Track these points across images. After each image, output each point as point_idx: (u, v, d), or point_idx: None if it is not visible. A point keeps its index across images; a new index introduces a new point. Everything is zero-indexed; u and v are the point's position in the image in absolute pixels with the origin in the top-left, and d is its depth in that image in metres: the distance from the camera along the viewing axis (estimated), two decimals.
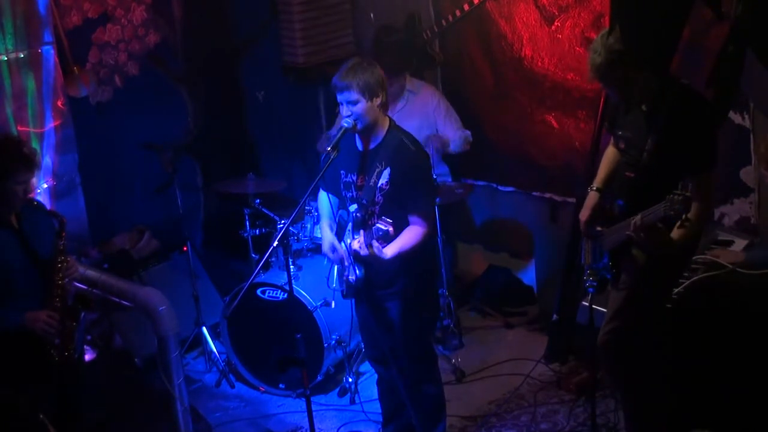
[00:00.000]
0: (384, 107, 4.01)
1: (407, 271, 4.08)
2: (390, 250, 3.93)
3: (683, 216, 3.33)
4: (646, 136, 3.64)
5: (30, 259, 3.86)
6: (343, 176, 4.12)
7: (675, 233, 3.54)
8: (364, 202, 4.03)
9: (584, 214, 4.00)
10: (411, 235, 3.99)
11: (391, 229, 3.81)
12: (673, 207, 3.30)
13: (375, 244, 3.87)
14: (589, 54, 3.60)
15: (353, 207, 4.09)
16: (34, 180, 3.97)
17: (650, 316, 3.90)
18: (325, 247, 4.18)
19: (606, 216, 3.92)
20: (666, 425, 4.10)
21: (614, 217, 3.84)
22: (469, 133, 5.62)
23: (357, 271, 4.06)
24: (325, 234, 4.22)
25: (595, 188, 4.02)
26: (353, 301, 4.38)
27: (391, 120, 4.09)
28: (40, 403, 3.92)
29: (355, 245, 3.93)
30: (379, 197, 4.01)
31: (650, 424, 4.08)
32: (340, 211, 4.32)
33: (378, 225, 3.83)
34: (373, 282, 4.11)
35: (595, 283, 3.99)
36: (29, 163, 3.81)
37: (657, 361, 4.00)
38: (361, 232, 3.93)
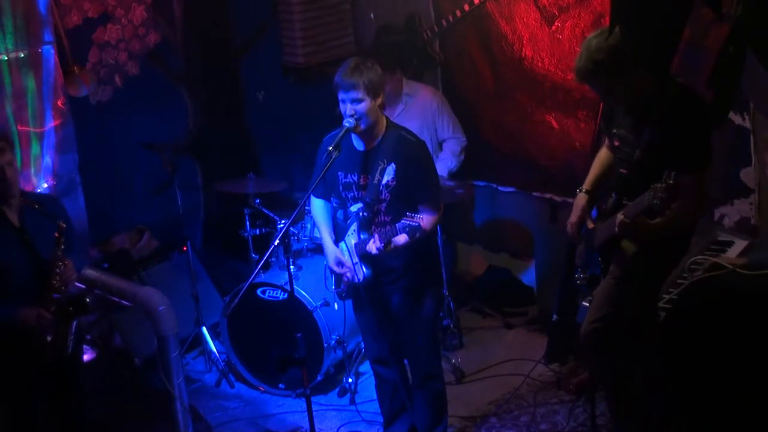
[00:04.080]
0: (382, 107, 4.03)
1: (413, 264, 4.10)
2: (403, 237, 3.92)
3: (668, 205, 3.35)
4: (640, 133, 3.66)
5: (28, 257, 3.85)
6: (341, 177, 4.12)
7: (656, 225, 3.55)
8: (368, 200, 4.03)
9: (574, 217, 4.01)
10: (423, 223, 3.99)
11: (421, 223, 3.81)
12: (657, 196, 3.33)
13: (393, 238, 3.88)
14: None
15: (356, 207, 4.08)
16: (12, 166, 3.89)
17: (636, 308, 3.91)
18: (331, 262, 4.17)
19: (602, 214, 3.94)
20: (655, 424, 4.10)
21: (608, 215, 3.87)
22: (464, 139, 5.62)
23: (364, 270, 4.06)
24: (329, 247, 4.19)
25: (584, 190, 4.03)
26: (350, 302, 4.39)
27: (387, 118, 4.11)
28: (33, 403, 3.93)
29: (372, 248, 3.93)
30: (386, 194, 4.01)
31: (636, 422, 4.08)
32: (337, 213, 4.31)
33: (405, 221, 3.83)
34: (379, 278, 4.12)
35: (586, 282, 4.01)
36: None
37: (643, 357, 4.01)
38: (376, 234, 3.93)
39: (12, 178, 3.83)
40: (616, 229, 3.64)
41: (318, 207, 4.30)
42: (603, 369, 4.11)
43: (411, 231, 3.82)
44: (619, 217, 3.62)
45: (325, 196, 4.26)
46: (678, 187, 3.33)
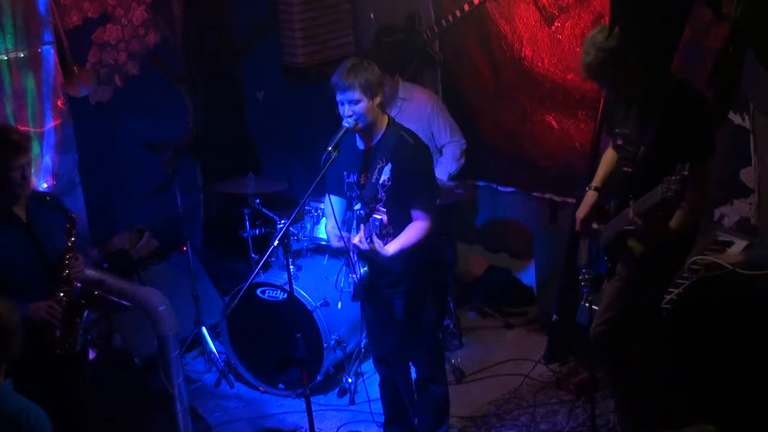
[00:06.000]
0: (382, 106, 4.02)
1: (412, 270, 4.08)
2: (392, 248, 3.93)
3: (682, 197, 3.34)
4: (644, 130, 3.67)
5: (36, 253, 3.86)
6: (346, 177, 4.13)
7: (673, 220, 3.56)
8: (367, 199, 4.03)
9: (581, 212, 4.02)
10: (413, 231, 3.98)
11: (384, 218, 3.81)
12: (671, 188, 3.31)
13: (376, 240, 3.87)
14: (580, 55, 3.64)
15: (358, 206, 4.09)
16: (32, 166, 3.94)
17: (645, 308, 3.91)
18: (333, 241, 4.21)
19: (603, 214, 3.95)
20: (660, 422, 4.10)
21: (611, 215, 3.87)
22: (464, 141, 5.60)
23: (360, 269, 4.06)
24: (329, 229, 4.23)
25: (593, 187, 4.05)
26: (360, 302, 4.39)
27: (389, 117, 4.11)
28: (38, 400, 3.92)
29: (355, 240, 3.94)
30: (382, 194, 4.01)
31: (643, 420, 4.09)
32: (347, 213, 4.31)
33: (374, 216, 3.83)
34: (378, 281, 4.11)
35: (590, 282, 4.01)
36: (19, 149, 3.77)
37: (651, 355, 4.01)
38: (361, 226, 3.94)
39: (30, 178, 3.87)
40: (635, 218, 3.58)
41: (327, 202, 4.27)
42: (612, 368, 4.12)
43: (378, 226, 3.83)
44: (633, 210, 3.59)
45: (339, 195, 4.25)
46: (690, 179, 3.32)
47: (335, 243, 4.18)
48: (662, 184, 3.35)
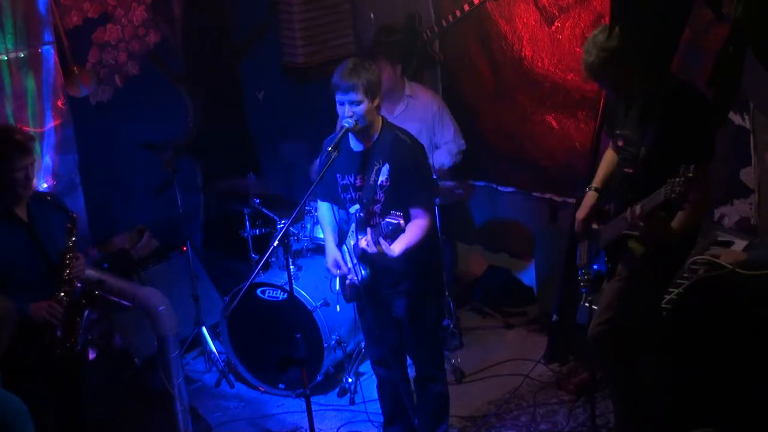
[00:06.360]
0: (379, 108, 4.03)
1: (412, 269, 4.09)
2: (398, 247, 3.92)
3: (686, 198, 3.32)
4: (644, 131, 3.66)
5: (37, 252, 3.87)
6: (339, 179, 4.12)
7: (675, 222, 3.56)
8: (365, 201, 4.03)
9: (581, 213, 4.02)
10: (415, 230, 3.99)
11: (402, 221, 3.80)
12: (675, 189, 3.28)
13: (383, 241, 3.87)
14: (582, 55, 3.64)
15: (354, 208, 4.09)
16: (35, 166, 3.94)
17: (644, 309, 3.91)
18: (329, 263, 4.18)
19: (603, 215, 3.94)
20: (659, 424, 4.10)
21: (611, 217, 3.87)
22: (462, 143, 5.60)
23: (362, 272, 4.06)
24: (330, 248, 4.21)
25: (593, 188, 4.04)
26: (355, 303, 4.39)
27: (383, 118, 4.11)
28: (39, 400, 3.93)
29: (362, 243, 3.93)
30: (380, 195, 4.01)
31: (642, 422, 4.09)
32: (339, 213, 4.31)
33: (388, 220, 3.81)
34: (379, 282, 4.11)
35: (589, 283, 4.01)
36: (23, 149, 3.78)
37: (650, 356, 4.01)
38: (368, 230, 3.93)
39: (33, 179, 3.88)
40: (636, 220, 3.57)
41: (323, 210, 4.30)
42: (610, 369, 4.12)
43: (393, 230, 3.82)
44: (636, 211, 3.58)
45: (330, 199, 4.25)
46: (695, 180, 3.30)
47: (332, 268, 4.16)
48: (666, 185, 3.34)
